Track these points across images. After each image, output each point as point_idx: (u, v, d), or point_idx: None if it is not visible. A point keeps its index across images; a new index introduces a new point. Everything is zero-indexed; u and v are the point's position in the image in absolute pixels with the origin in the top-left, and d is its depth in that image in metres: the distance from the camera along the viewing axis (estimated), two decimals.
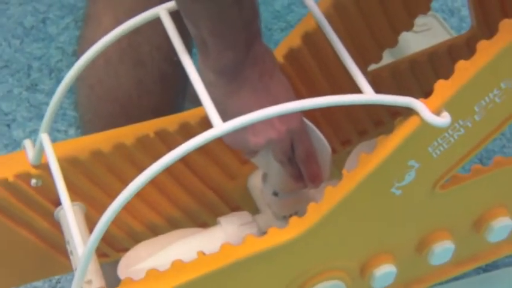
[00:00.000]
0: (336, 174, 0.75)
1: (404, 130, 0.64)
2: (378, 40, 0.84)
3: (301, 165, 0.73)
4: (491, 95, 0.65)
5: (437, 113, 0.63)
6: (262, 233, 0.77)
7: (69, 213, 0.68)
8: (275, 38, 1.40)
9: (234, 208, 0.85)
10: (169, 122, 0.79)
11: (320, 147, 0.73)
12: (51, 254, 0.79)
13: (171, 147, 0.62)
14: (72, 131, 1.27)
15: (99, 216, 0.62)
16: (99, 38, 0.70)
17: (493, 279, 1.06)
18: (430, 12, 0.90)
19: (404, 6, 0.83)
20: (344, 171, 0.67)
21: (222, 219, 0.77)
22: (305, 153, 0.72)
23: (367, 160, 0.66)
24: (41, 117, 1.28)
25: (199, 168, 0.81)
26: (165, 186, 0.81)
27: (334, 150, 0.78)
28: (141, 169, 0.62)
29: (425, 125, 0.63)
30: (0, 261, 0.78)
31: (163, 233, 0.77)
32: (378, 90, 0.66)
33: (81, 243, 0.66)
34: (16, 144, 1.26)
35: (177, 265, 0.65)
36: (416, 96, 0.65)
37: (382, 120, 0.89)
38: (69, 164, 0.75)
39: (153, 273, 0.65)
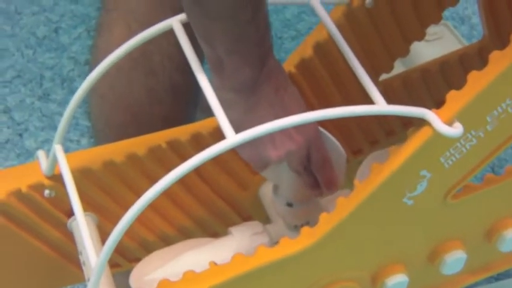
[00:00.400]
0: (348, 184, 0.75)
1: (416, 141, 0.64)
2: (389, 50, 0.84)
3: (318, 172, 0.73)
4: (503, 105, 0.65)
5: (450, 123, 0.63)
6: (274, 243, 0.77)
7: (82, 224, 0.69)
8: (285, 47, 1.41)
9: (246, 218, 0.85)
10: (182, 132, 0.79)
11: (335, 154, 0.74)
12: (64, 264, 0.79)
13: (183, 158, 0.62)
14: (84, 141, 1.28)
15: (111, 227, 0.62)
16: (112, 47, 0.71)
17: None
18: (441, 21, 0.90)
19: (416, 16, 0.83)
20: (356, 182, 0.67)
21: (234, 229, 0.77)
22: (322, 161, 0.72)
23: (379, 170, 0.66)
24: (53, 127, 1.29)
25: (211, 178, 0.82)
26: (176, 196, 0.81)
27: None
28: (153, 179, 0.62)
29: (437, 135, 0.63)
30: (14, 271, 0.79)
31: (175, 243, 0.77)
32: (389, 100, 0.66)
33: (93, 254, 0.67)
34: (28, 154, 1.27)
35: (189, 276, 0.65)
36: (428, 106, 0.65)
37: (393, 130, 0.89)
38: (82, 175, 0.75)
39: (164, 284, 0.65)
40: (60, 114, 0.74)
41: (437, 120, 0.63)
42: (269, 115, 0.67)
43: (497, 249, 0.75)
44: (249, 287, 0.67)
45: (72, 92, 0.71)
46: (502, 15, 0.89)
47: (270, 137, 0.68)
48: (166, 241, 0.82)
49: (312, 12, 0.76)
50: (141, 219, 0.79)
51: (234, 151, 0.71)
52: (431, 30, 1.22)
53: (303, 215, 0.78)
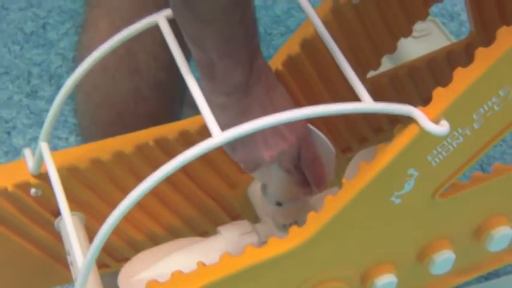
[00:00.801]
0: (336, 182, 0.75)
1: (403, 139, 0.64)
2: (376, 46, 0.84)
3: (308, 170, 0.73)
4: (489, 102, 0.65)
5: (436, 121, 0.63)
6: (262, 242, 0.77)
7: (69, 224, 0.68)
8: (275, 43, 1.40)
9: (235, 217, 0.85)
10: (169, 130, 0.79)
11: (324, 151, 0.73)
12: (52, 264, 0.79)
13: (170, 156, 0.62)
14: (72, 138, 1.27)
15: (98, 226, 0.62)
16: (96, 43, 0.70)
17: None
18: (429, 17, 0.90)
19: (403, 12, 0.83)
20: (343, 180, 0.67)
21: (222, 229, 0.77)
22: (312, 159, 0.72)
23: (366, 169, 0.65)
24: (41, 124, 1.27)
25: (199, 177, 0.81)
26: (164, 195, 0.81)
27: None
28: (140, 177, 0.62)
29: (424, 133, 0.63)
30: (0, 271, 0.78)
31: (163, 242, 0.77)
32: (377, 97, 0.66)
33: (80, 254, 0.66)
34: (16, 152, 1.26)
35: (177, 276, 0.65)
36: (416, 103, 0.65)
37: (382, 127, 0.89)
38: (68, 173, 0.75)
39: (152, 285, 0.65)
40: (48, 112, 0.73)
41: (424, 118, 0.63)
42: (262, 116, 0.66)
43: (486, 249, 0.75)
44: (237, 287, 0.66)
45: (60, 88, 0.71)
46: (489, 11, 0.89)
47: (263, 137, 0.68)
48: (155, 240, 0.82)
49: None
50: (128, 218, 0.79)
51: (222, 149, 0.71)
52: (419, 26, 1.22)
53: (292, 214, 0.78)
